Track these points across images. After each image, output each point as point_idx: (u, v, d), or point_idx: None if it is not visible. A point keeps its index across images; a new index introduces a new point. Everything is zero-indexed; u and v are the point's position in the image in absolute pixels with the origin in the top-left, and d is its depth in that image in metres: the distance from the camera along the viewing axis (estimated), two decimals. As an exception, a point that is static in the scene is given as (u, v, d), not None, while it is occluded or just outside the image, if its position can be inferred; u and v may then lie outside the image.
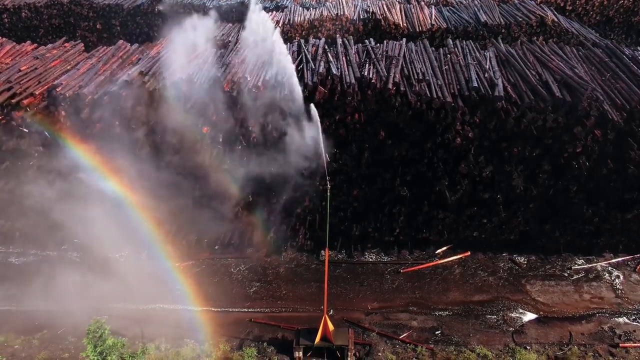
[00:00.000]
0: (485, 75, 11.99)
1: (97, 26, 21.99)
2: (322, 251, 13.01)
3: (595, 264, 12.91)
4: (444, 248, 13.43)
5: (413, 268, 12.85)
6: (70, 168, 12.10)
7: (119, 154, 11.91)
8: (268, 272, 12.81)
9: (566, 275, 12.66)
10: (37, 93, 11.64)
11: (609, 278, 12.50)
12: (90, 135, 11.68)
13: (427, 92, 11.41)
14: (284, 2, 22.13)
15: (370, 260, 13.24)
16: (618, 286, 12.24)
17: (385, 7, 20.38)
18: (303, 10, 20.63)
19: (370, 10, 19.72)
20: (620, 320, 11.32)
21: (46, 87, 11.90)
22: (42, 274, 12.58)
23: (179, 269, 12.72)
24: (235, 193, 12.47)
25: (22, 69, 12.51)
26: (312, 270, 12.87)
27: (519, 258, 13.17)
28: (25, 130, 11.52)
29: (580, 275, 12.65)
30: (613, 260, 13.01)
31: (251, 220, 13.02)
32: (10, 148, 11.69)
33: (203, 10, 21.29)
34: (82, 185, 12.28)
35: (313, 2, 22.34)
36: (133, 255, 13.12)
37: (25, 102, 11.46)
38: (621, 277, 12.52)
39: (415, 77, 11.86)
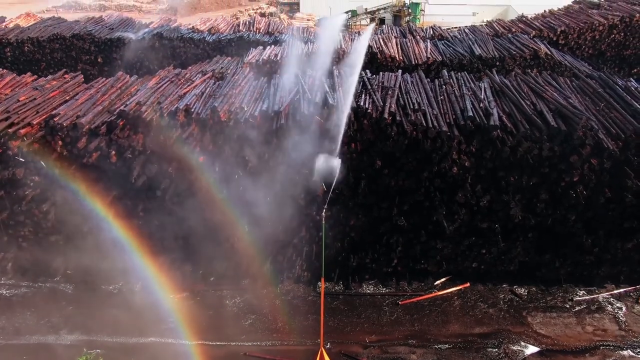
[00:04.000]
0: (481, 105, 12.09)
1: (98, 59, 22.37)
2: (319, 282, 12.80)
3: (597, 295, 12.70)
4: (443, 279, 13.24)
5: (412, 300, 12.62)
6: (65, 198, 12.05)
7: (114, 183, 11.89)
8: (264, 304, 12.56)
9: (568, 306, 12.43)
10: (34, 123, 11.69)
11: (611, 310, 12.27)
12: (86, 165, 11.65)
13: (423, 121, 11.47)
14: (283, 37, 22.59)
15: (368, 291, 13.02)
16: (621, 318, 12.00)
17: (381, 41, 20.78)
18: (301, 44, 20.99)
19: (367, 44, 20.06)
20: (625, 353, 11.04)
21: (44, 117, 11.96)
22: (33, 306, 12.35)
23: (173, 300, 12.49)
24: (231, 223, 12.37)
25: (20, 99, 12.59)
26: (309, 302, 12.63)
27: (519, 289, 12.97)
28: (21, 159, 11.49)
29: (582, 306, 12.42)
30: (615, 292, 12.81)
31: (247, 251, 12.85)
32: (5, 178, 11.63)
33: (202, 44, 21.76)
34: (76, 215, 12.20)
35: (311, 37, 22.81)
36: (127, 286, 12.91)
37: (23, 131, 11.49)
38: (624, 308, 12.29)
39: (411, 106, 11.94)
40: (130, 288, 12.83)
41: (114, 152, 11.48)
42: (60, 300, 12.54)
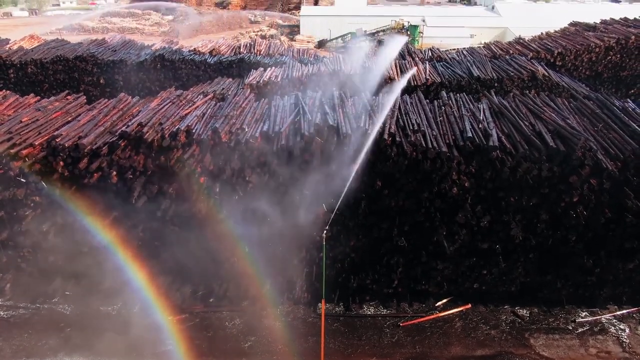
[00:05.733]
0: (480, 126, 12.18)
1: (101, 81, 22.63)
2: (320, 304, 12.71)
3: (599, 317, 12.59)
4: (444, 300, 13.14)
5: (413, 321, 12.51)
6: (65, 219, 12.04)
7: (114, 204, 11.89)
8: (264, 325, 12.44)
9: (570, 328, 12.31)
10: (36, 143, 11.75)
11: (614, 331, 12.15)
12: (87, 185, 11.67)
13: (423, 142, 11.54)
14: (283, 58, 22.89)
15: (369, 313, 12.91)
16: (625, 340, 11.87)
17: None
18: (301, 65, 21.28)
19: (367, 65, 20.34)
20: (629, 376, 10.92)
21: (46, 137, 12.03)
22: (31, 328, 12.23)
23: (172, 322, 12.38)
24: (231, 244, 12.34)
25: (23, 120, 12.69)
26: (309, 324, 12.52)
27: (521, 310, 12.86)
28: (22, 180, 11.52)
29: (585, 328, 12.30)
30: (617, 313, 12.70)
31: (247, 272, 12.79)
32: (6, 198, 11.64)
33: (204, 66, 22.01)
34: (76, 236, 12.17)
35: (311, 58, 23.12)
36: (126, 307, 12.80)
37: (24, 152, 11.55)
38: (627, 330, 12.18)
39: (411, 127, 12.03)
40: (129, 309, 12.72)
41: (115, 173, 11.52)
42: (59, 321, 12.43)
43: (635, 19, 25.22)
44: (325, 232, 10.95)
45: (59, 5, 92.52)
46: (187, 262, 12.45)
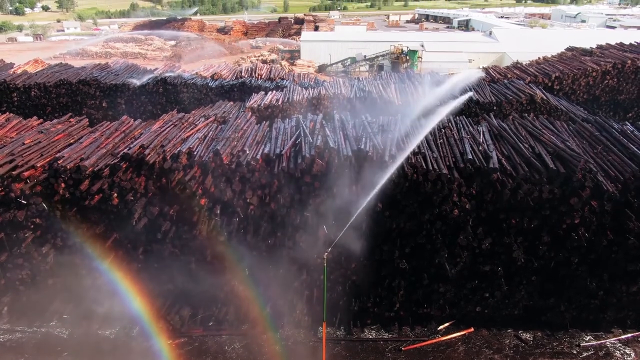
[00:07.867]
0: (480, 148, 12.24)
1: (103, 104, 22.84)
2: (320, 327, 12.56)
3: (604, 341, 12.42)
4: (446, 324, 12.99)
5: (415, 345, 12.34)
6: (64, 241, 11.99)
7: (115, 226, 11.86)
8: (264, 350, 12.27)
9: (575, 352, 12.13)
10: (38, 165, 11.79)
11: (619, 355, 11.97)
12: (88, 207, 11.66)
13: (423, 164, 11.58)
14: (284, 82, 23.16)
15: (370, 337, 12.74)
16: (630, 364, 11.71)
17: (380, 86, 21.29)
18: (302, 89, 21.51)
19: (367, 89, 20.57)
20: (636, 401, 10.71)
21: (48, 159, 12.08)
22: (27, 352, 12.05)
23: (171, 346, 12.20)
24: (231, 266, 12.26)
25: (26, 142, 12.77)
26: (309, 348, 12.34)
27: (525, 334, 12.70)
28: (23, 202, 11.51)
29: (590, 352, 12.12)
30: (622, 337, 12.54)
31: (247, 295, 12.67)
32: (6, 220, 11.62)
33: (205, 89, 22.24)
34: (75, 258, 12.11)
35: (311, 82, 23.38)
36: (123, 331, 12.64)
37: (26, 174, 11.58)
38: (632, 354, 12.00)
39: (411, 150, 12.08)
40: (127, 333, 12.57)
41: (115, 195, 11.52)
42: (55, 345, 12.25)
43: (631, 44, 25.62)
44: (326, 254, 10.88)
45: (63, 30, 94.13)
46: (187, 285, 12.34)
